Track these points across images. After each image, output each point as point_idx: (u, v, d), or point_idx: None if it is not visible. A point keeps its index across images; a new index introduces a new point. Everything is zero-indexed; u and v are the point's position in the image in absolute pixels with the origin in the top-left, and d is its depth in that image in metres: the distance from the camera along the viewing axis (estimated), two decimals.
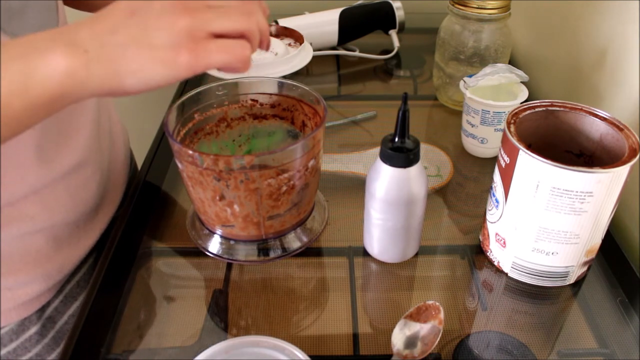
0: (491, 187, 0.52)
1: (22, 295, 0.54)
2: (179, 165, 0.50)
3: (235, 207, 0.50)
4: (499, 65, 0.67)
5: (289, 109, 0.58)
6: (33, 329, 0.56)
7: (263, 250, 0.55)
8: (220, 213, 0.51)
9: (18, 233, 0.52)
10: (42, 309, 0.57)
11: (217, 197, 0.49)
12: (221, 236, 0.55)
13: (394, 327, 0.46)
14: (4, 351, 0.54)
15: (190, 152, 0.46)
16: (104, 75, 0.35)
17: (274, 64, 0.77)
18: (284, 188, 0.50)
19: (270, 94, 0.58)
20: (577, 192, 0.44)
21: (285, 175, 0.49)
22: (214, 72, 0.73)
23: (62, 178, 0.54)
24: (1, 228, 0.51)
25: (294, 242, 0.56)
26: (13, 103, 0.34)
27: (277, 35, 0.89)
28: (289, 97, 0.57)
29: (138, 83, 0.35)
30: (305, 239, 0.56)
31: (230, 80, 0.57)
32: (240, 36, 0.37)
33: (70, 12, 0.60)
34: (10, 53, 0.34)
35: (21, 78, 0.33)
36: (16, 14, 0.45)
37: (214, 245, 0.55)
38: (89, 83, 0.35)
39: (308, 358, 0.41)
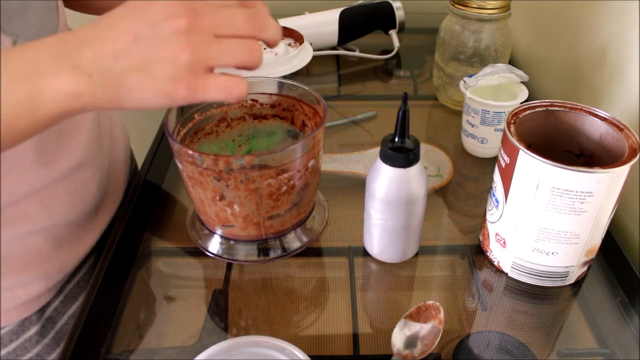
0: (491, 187, 0.53)
1: (22, 295, 0.54)
2: (179, 165, 0.50)
3: (235, 207, 0.50)
4: (499, 65, 0.67)
5: (289, 109, 0.58)
6: (33, 329, 0.56)
7: (263, 250, 0.55)
8: (220, 213, 0.51)
9: (18, 233, 0.52)
10: (42, 309, 0.57)
11: (217, 197, 0.49)
12: (221, 236, 0.55)
13: (394, 327, 0.46)
14: (3, 351, 0.54)
15: (190, 152, 0.46)
16: (106, 99, 0.36)
17: (274, 64, 0.77)
18: (284, 188, 0.50)
19: (270, 94, 0.58)
20: (577, 192, 0.44)
21: (285, 175, 0.49)
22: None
23: (63, 178, 0.54)
24: (1, 228, 0.51)
25: (294, 242, 0.56)
26: (19, 123, 0.35)
27: None
28: (289, 97, 0.57)
29: (136, 106, 0.37)
30: (305, 239, 0.56)
31: None
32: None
33: (69, 13, 0.60)
34: (14, 71, 0.34)
35: (27, 100, 0.34)
36: (16, 14, 0.45)
37: (214, 245, 0.55)
38: (92, 105, 0.36)
39: (308, 358, 0.41)
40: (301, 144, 0.48)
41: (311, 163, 0.51)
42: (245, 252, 0.55)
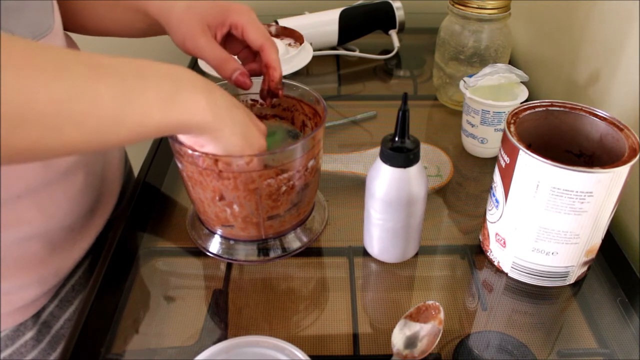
0: (491, 187, 0.53)
1: (18, 300, 0.54)
2: (179, 165, 0.50)
3: (235, 207, 0.50)
4: (499, 65, 0.67)
5: (289, 109, 0.58)
6: (29, 334, 0.56)
7: (263, 250, 0.55)
8: (220, 213, 0.51)
9: (14, 238, 0.52)
10: (38, 314, 0.57)
11: (217, 197, 0.49)
12: (221, 236, 0.55)
13: (394, 327, 0.46)
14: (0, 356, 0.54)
15: (190, 151, 0.46)
16: (204, 130, 0.42)
17: None
18: (284, 188, 0.50)
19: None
20: (577, 192, 0.44)
21: (285, 175, 0.49)
22: (213, 72, 0.73)
23: (59, 180, 0.54)
24: None
25: (294, 242, 0.56)
26: (147, 120, 0.37)
27: (277, 35, 0.89)
28: (289, 97, 0.57)
29: (210, 146, 0.45)
30: (305, 239, 0.56)
31: None
32: None
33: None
34: (160, 71, 0.39)
35: (166, 99, 0.38)
36: (14, 12, 0.45)
37: (214, 245, 0.55)
38: (191, 131, 0.43)
39: (308, 358, 0.41)
40: (301, 144, 0.48)
41: (311, 163, 0.51)
42: (245, 252, 0.55)
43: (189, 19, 0.53)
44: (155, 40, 0.65)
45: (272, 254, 0.55)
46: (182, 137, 0.46)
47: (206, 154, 0.46)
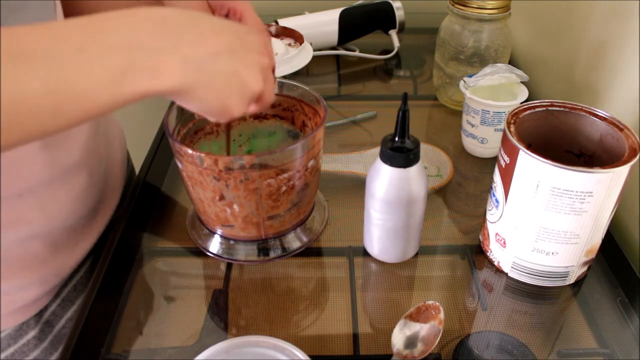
0: (491, 187, 0.52)
1: (20, 299, 0.54)
2: (179, 165, 0.50)
3: (235, 207, 0.50)
4: (499, 65, 0.67)
5: (289, 109, 0.58)
6: (31, 333, 0.56)
7: (263, 250, 0.55)
8: (220, 213, 0.51)
9: (16, 238, 0.52)
10: (40, 313, 0.57)
11: (217, 197, 0.49)
12: (221, 236, 0.55)
13: (394, 327, 0.46)
14: (2, 356, 0.54)
15: (190, 151, 0.46)
16: (181, 88, 0.35)
17: None
18: (284, 188, 0.50)
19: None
20: (577, 192, 0.44)
21: (285, 175, 0.49)
22: None
23: (61, 179, 0.54)
24: (0, 233, 0.50)
25: (294, 242, 0.56)
26: (100, 97, 0.32)
27: (277, 35, 0.89)
28: (290, 97, 0.57)
29: (195, 108, 0.38)
30: (305, 239, 0.56)
31: None
32: None
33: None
34: (112, 38, 0.32)
35: (120, 72, 0.32)
36: (14, 12, 0.45)
37: (214, 245, 0.55)
38: (168, 90, 0.35)
39: (308, 358, 0.41)
40: (301, 144, 0.48)
41: (311, 163, 0.51)
42: (245, 252, 0.55)
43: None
44: None
45: (272, 254, 0.55)
46: None
47: (207, 153, 0.46)
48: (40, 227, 0.53)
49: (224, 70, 0.37)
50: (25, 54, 0.30)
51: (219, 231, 0.55)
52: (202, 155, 0.46)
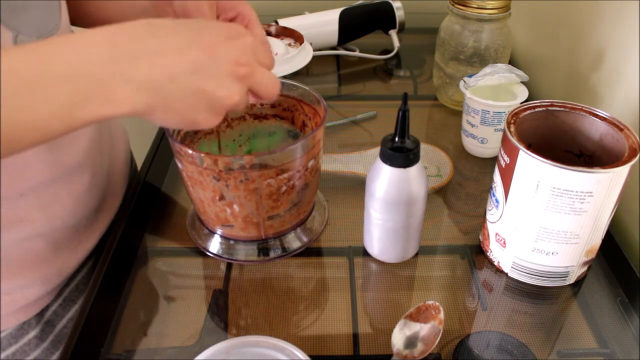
0: (491, 187, 0.53)
1: (21, 299, 0.54)
2: (179, 165, 0.50)
3: (235, 207, 0.50)
4: (499, 65, 0.67)
5: (289, 109, 0.58)
6: (32, 333, 0.56)
7: (263, 250, 0.55)
8: (220, 213, 0.51)
9: (18, 237, 0.52)
10: (41, 313, 0.57)
11: (217, 197, 0.49)
12: (221, 236, 0.55)
13: (394, 327, 0.46)
14: (3, 355, 0.54)
15: (190, 151, 0.46)
16: (142, 114, 0.35)
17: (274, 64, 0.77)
18: (284, 188, 0.50)
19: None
20: (577, 192, 0.44)
21: (285, 175, 0.49)
22: None
23: (64, 179, 0.54)
24: (1, 232, 0.51)
25: (294, 242, 0.56)
26: (54, 125, 0.33)
27: (277, 35, 0.89)
28: (290, 97, 0.57)
29: (159, 124, 0.37)
30: (305, 239, 0.56)
31: None
32: None
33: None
34: (60, 68, 0.32)
35: (70, 104, 0.32)
36: (19, 10, 0.45)
37: (214, 245, 0.55)
38: (127, 114, 0.35)
39: (308, 358, 0.41)
40: (301, 144, 0.48)
41: (311, 163, 0.51)
42: (245, 252, 0.55)
43: None
44: None
45: (272, 254, 0.55)
46: None
47: (206, 153, 0.46)
48: (42, 227, 0.53)
49: (185, 91, 0.35)
50: None
51: (219, 231, 0.55)
52: (202, 155, 0.46)
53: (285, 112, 0.59)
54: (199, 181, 0.49)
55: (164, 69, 0.34)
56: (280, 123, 0.60)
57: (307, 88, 0.56)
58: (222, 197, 0.49)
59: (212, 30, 0.37)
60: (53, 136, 0.33)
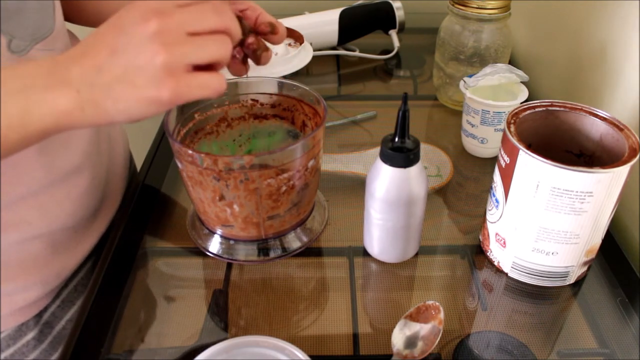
0: (491, 187, 0.53)
1: (20, 300, 0.54)
2: (179, 165, 0.50)
3: (235, 207, 0.50)
4: (499, 65, 0.67)
5: (289, 109, 0.58)
6: (30, 334, 0.56)
7: (263, 250, 0.55)
8: (220, 213, 0.51)
9: (17, 239, 0.52)
10: (40, 314, 0.57)
11: (217, 198, 0.49)
12: (221, 236, 0.55)
13: (394, 327, 0.46)
14: (1, 356, 0.54)
15: (190, 151, 0.46)
16: (95, 114, 0.37)
17: (274, 64, 0.77)
18: (284, 188, 0.50)
19: (271, 94, 0.58)
20: (577, 192, 0.44)
21: (285, 175, 0.49)
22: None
23: (62, 182, 0.54)
24: (0, 234, 0.50)
25: (294, 242, 0.56)
26: (9, 136, 0.36)
27: None
28: (289, 97, 0.57)
29: (126, 119, 0.37)
30: (305, 239, 0.56)
31: (231, 80, 0.57)
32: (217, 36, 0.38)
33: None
34: (7, 86, 0.36)
35: (20, 114, 0.36)
36: (13, 14, 0.45)
37: (214, 245, 0.55)
38: (83, 120, 0.37)
39: (308, 358, 0.41)
40: (301, 144, 0.48)
41: (311, 163, 0.51)
42: (245, 252, 0.55)
43: None
44: None
45: (272, 254, 0.55)
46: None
47: (206, 153, 0.46)
48: (41, 229, 0.53)
49: (114, 72, 0.35)
50: None
51: (219, 231, 0.55)
52: (202, 155, 0.46)
53: (286, 112, 0.59)
54: (199, 181, 0.49)
55: (89, 64, 0.36)
56: (280, 123, 0.60)
57: (307, 88, 0.56)
58: (222, 197, 0.49)
59: (128, 12, 0.37)
60: (12, 150, 0.37)
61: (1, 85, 0.36)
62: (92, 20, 0.62)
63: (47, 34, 0.50)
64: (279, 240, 0.55)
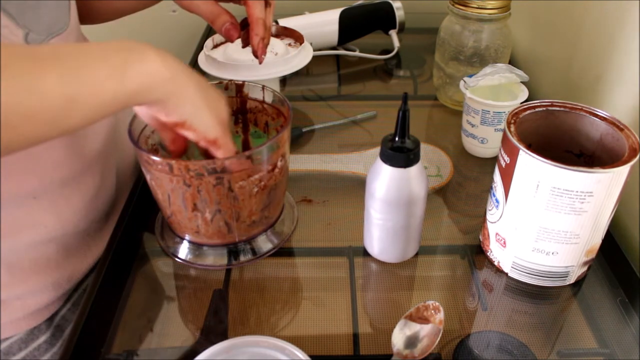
0: (491, 187, 0.52)
1: (32, 304, 0.54)
2: (147, 175, 0.49)
3: (207, 213, 0.49)
4: (499, 65, 0.67)
5: (252, 111, 0.58)
6: (42, 338, 0.56)
7: (234, 253, 0.54)
8: (190, 220, 0.50)
9: (30, 242, 0.52)
10: (51, 318, 0.57)
11: (189, 205, 0.48)
12: (190, 242, 0.54)
13: (394, 327, 0.46)
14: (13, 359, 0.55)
15: (158, 159, 0.45)
16: (164, 98, 0.40)
17: (274, 64, 0.76)
18: (255, 189, 0.49)
19: (233, 97, 0.58)
20: (577, 192, 0.44)
21: (256, 176, 0.48)
22: (214, 73, 0.73)
23: (74, 181, 0.54)
24: (14, 236, 0.51)
25: (265, 244, 0.55)
26: (106, 86, 0.36)
27: (277, 35, 0.89)
28: (251, 99, 0.57)
29: (169, 119, 0.42)
30: (276, 241, 0.56)
31: None
32: None
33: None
34: (111, 45, 0.38)
35: (121, 65, 0.37)
36: (30, 8, 0.46)
37: (183, 251, 0.54)
38: (155, 97, 0.40)
39: (308, 358, 0.41)
40: (270, 144, 0.47)
41: (279, 164, 0.50)
42: (214, 257, 0.54)
43: None
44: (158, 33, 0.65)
45: (242, 258, 0.54)
46: (146, 115, 0.44)
47: (176, 160, 0.45)
48: (55, 231, 0.53)
49: (202, 80, 0.43)
50: (38, 56, 0.34)
51: (188, 237, 0.54)
52: (173, 162, 0.45)
53: (249, 114, 0.59)
54: (170, 189, 0.48)
55: (183, 65, 0.41)
56: (245, 125, 0.60)
57: (270, 89, 0.55)
58: (194, 206, 0.49)
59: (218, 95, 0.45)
60: (102, 109, 0.37)
61: (103, 46, 0.37)
62: (102, 18, 0.63)
63: (63, 29, 0.50)
64: (250, 243, 0.54)
